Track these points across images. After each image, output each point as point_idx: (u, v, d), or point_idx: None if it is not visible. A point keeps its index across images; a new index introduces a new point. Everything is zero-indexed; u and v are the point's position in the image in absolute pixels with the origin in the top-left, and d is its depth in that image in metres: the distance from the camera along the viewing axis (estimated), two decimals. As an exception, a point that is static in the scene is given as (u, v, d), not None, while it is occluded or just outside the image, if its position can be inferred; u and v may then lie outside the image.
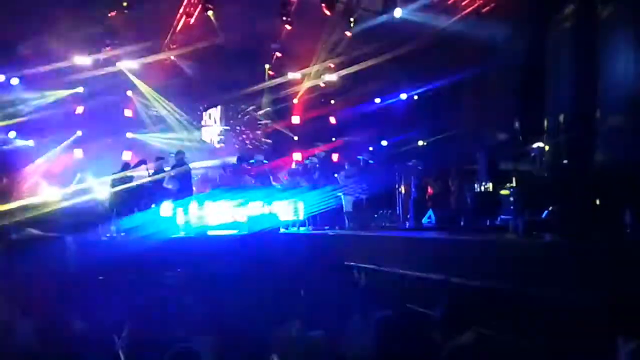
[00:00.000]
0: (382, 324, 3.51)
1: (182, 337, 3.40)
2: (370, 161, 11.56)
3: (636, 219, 4.96)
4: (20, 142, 12.50)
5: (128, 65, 12.95)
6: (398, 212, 10.19)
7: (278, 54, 13.72)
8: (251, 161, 11.73)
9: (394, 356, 3.30)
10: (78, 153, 13.06)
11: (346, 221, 10.31)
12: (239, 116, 15.51)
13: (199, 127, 15.18)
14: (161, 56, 12.93)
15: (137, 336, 3.73)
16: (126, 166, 10.65)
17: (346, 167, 11.25)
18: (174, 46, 12.87)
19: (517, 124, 9.92)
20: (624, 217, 5.08)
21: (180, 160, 10.52)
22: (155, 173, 10.20)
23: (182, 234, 9.27)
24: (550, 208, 6.68)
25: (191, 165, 11.12)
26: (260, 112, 15.52)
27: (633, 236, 4.72)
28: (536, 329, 3.70)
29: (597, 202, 6.54)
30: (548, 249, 4.65)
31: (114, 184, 10.18)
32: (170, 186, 10.05)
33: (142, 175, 10.28)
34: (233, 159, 12.14)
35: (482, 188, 9.23)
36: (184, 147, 12.03)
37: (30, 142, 12.59)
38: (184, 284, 5.94)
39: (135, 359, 3.24)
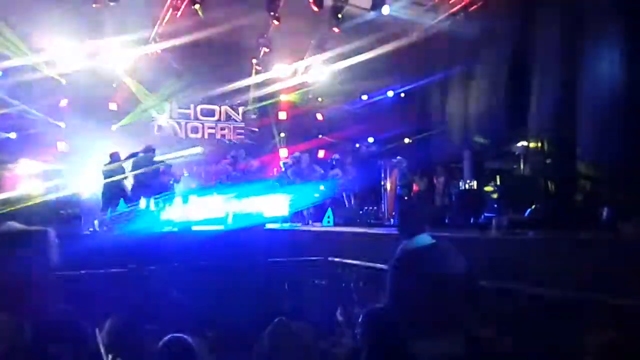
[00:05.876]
0: (367, 318, 3.52)
1: (165, 330, 3.38)
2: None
3: (616, 217, 5.03)
4: (2, 135, 12.30)
5: (113, 58, 12.80)
6: (383, 209, 10.23)
7: (265, 49, 13.64)
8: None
9: (379, 350, 3.32)
10: (62, 146, 12.89)
11: (331, 217, 10.32)
12: (225, 110, 15.42)
13: (182, 120, 15.04)
14: (147, 49, 12.82)
15: (119, 330, 3.71)
16: (116, 158, 10.50)
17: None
18: (160, 40, 12.76)
19: (501, 123, 10.03)
20: (604, 215, 5.16)
21: (147, 155, 10.34)
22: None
23: (167, 228, 9.20)
24: (533, 206, 6.77)
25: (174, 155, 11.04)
26: (247, 108, 15.45)
27: (613, 233, 4.79)
28: (518, 326, 3.74)
29: (579, 200, 6.63)
30: (530, 246, 4.70)
31: (105, 176, 10.08)
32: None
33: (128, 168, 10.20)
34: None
35: (467, 186, 9.32)
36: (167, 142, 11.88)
37: (13, 135, 12.40)
38: (168, 279, 5.91)
39: (116, 353, 3.22)
